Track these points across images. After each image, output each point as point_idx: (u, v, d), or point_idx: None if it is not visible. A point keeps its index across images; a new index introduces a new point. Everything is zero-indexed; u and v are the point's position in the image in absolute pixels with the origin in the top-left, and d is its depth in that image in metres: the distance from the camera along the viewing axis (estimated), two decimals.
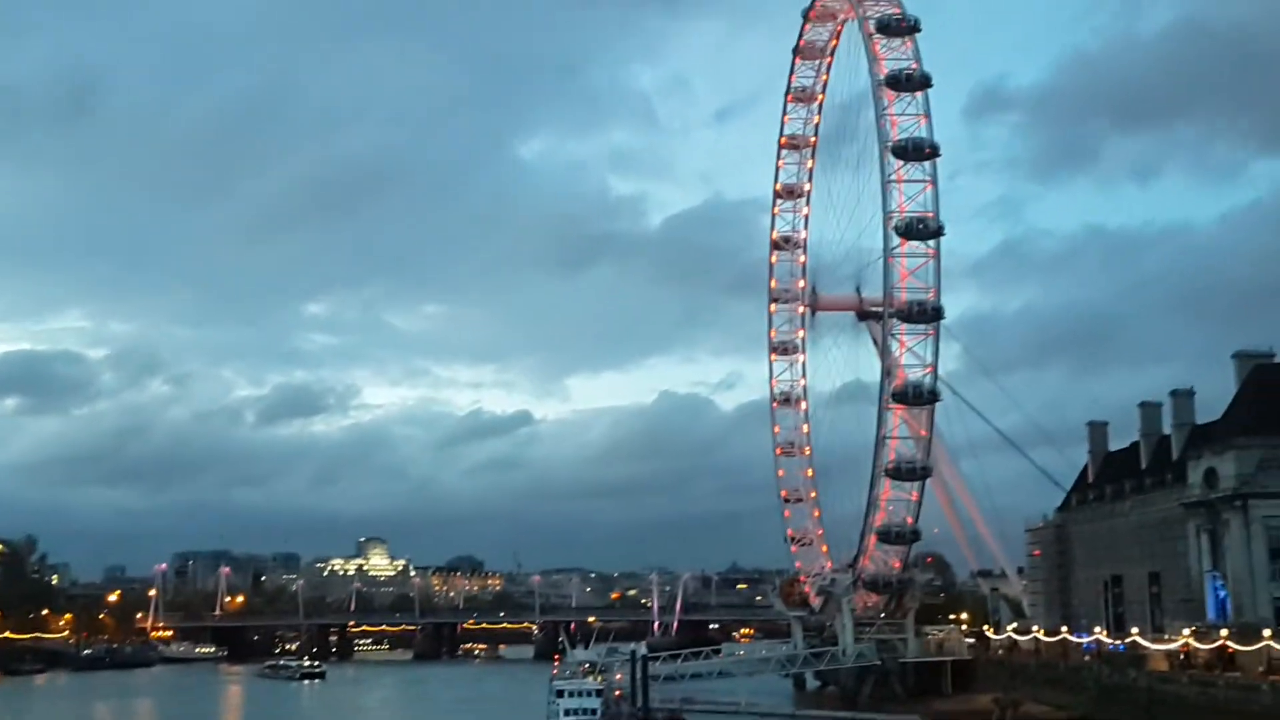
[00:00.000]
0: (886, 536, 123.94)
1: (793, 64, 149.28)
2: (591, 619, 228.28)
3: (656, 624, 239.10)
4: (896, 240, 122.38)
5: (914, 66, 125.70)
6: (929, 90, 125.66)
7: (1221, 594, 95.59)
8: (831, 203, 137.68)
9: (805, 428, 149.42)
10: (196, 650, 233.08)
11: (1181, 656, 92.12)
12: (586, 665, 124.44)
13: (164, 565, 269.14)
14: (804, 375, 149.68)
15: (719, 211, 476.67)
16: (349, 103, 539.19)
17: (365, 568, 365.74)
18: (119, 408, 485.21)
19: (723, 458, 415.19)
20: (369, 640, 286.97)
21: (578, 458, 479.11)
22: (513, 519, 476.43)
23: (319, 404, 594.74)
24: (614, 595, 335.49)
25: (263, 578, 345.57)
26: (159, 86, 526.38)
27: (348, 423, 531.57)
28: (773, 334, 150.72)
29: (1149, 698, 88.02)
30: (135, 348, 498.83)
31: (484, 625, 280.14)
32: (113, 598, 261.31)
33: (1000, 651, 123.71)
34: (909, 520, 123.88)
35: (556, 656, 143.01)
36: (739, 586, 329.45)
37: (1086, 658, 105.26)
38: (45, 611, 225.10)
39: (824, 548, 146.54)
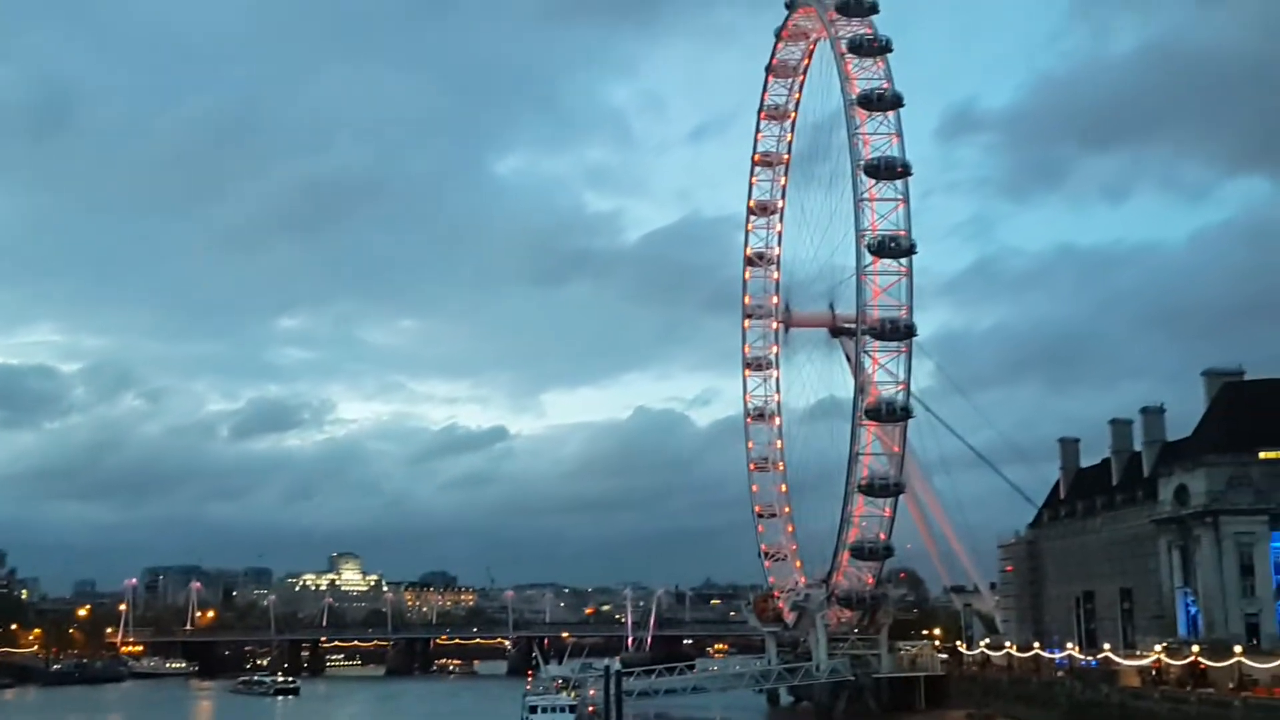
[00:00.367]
0: (860, 552, 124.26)
1: (766, 82, 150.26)
2: (565, 634, 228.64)
3: (630, 639, 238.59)
4: (869, 258, 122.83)
5: (886, 86, 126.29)
6: (900, 110, 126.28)
7: (1193, 610, 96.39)
8: (805, 220, 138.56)
9: (779, 443, 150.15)
10: (167, 665, 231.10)
11: (1153, 672, 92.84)
12: (560, 681, 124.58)
13: (134, 580, 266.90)
14: (778, 391, 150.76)
15: (695, 228, 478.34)
16: (324, 119, 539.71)
17: (338, 583, 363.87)
18: (92, 422, 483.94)
19: (698, 473, 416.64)
20: (341, 656, 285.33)
21: (553, 473, 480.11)
22: (487, 534, 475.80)
23: (293, 419, 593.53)
24: (588, 610, 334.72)
25: (234, 593, 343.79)
26: (134, 102, 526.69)
27: (322, 437, 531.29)
28: (746, 349, 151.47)
29: (1121, 713, 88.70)
30: (108, 362, 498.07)
31: (457, 641, 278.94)
32: (83, 612, 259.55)
33: (973, 667, 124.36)
34: (882, 536, 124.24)
35: (530, 672, 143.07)
36: (713, 602, 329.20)
37: (1059, 673, 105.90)
38: (14, 626, 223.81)
39: (798, 563, 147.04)
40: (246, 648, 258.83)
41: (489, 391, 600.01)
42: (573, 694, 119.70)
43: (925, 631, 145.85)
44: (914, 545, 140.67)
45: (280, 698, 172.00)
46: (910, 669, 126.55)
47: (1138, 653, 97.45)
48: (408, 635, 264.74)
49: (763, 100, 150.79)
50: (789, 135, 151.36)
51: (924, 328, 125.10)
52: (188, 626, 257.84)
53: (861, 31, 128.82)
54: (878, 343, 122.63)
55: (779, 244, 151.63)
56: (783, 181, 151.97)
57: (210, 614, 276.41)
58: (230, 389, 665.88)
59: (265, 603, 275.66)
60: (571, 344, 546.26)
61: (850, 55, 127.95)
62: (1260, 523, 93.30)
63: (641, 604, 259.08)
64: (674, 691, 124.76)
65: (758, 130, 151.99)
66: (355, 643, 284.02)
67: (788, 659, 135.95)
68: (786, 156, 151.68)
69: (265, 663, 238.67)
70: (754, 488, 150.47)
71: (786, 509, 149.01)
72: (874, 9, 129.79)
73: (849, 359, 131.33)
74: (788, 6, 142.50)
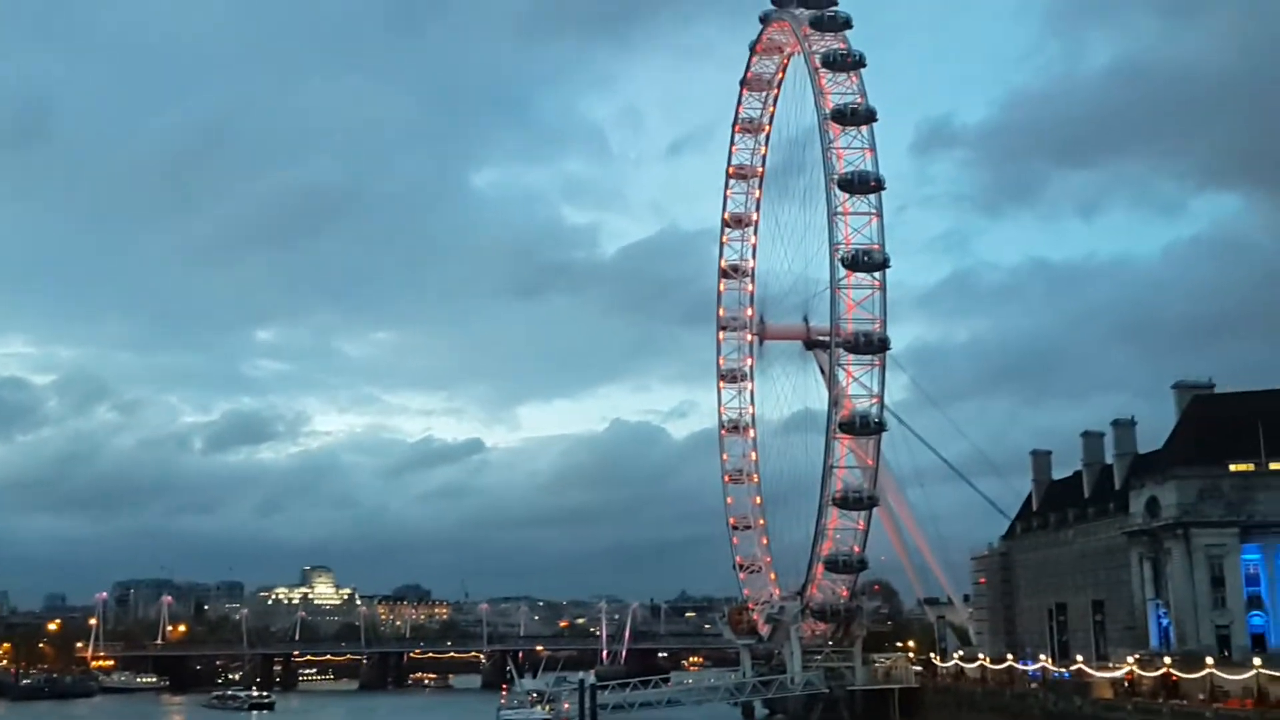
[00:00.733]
0: (834, 565, 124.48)
1: (740, 95, 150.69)
2: (539, 648, 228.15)
3: (605, 652, 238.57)
4: (843, 271, 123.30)
5: (859, 101, 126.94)
6: (874, 125, 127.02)
7: (1164, 622, 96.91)
8: (780, 233, 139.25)
9: (753, 455, 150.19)
10: (138, 680, 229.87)
11: (1126, 684, 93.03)
12: (535, 695, 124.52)
13: (105, 594, 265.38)
14: (752, 403, 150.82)
15: (672, 242, 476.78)
16: (301, 131, 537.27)
17: (310, 596, 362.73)
18: (64, 434, 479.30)
19: (674, 486, 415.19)
20: (314, 670, 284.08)
21: (528, 485, 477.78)
22: (461, 547, 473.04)
23: (268, 431, 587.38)
24: (562, 624, 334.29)
25: (206, 607, 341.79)
26: (111, 113, 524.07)
27: (296, 450, 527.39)
28: (721, 361, 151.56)
29: None
30: (81, 374, 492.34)
31: (431, 654, 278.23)
32: (52, 626, 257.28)
33: (947, 679, 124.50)
34: (856, 549, 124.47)
35: (505, 686, 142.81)
36: (688, 615, 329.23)
37: (1032, 685, 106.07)
38: None
39: (772, 575, 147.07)
40: (218, 662, 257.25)
41: (465, 404, 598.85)
42: (547, 708, 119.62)
43: (899, 644, 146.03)
44: (888, 558, 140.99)
45: (255, 712, 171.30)
46: (884, 681, 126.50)
47: (1110, 664, 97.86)
48: (381, 649, 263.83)
49: (737, 113, 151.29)
50: (763, 149, 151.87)
51: (899, 341, 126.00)
52: (159, 641, 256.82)
53: (835, 47, 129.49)
54: (851, 356, 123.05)
55: (754, 256, 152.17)
56: (757, 194, 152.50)
57: (182, 628, 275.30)
58: (204, 401, 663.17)
59: (237, 616, 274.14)
60: (548, 356, 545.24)
61: (824, 70, 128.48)
62: (1231, 535, 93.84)
63: (616, 617, 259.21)
64: (649, 705, 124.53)
65: (732, 143, 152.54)
66: (328, 657, 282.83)
67: (762, 671, 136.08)
68: (761, 170, 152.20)
69: (237, 677, 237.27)
70: (729, 500, 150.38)
71: (761, 521, 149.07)
72: (848, 24, 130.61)
73: (823, 372, 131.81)
74: (762, 20, 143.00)
